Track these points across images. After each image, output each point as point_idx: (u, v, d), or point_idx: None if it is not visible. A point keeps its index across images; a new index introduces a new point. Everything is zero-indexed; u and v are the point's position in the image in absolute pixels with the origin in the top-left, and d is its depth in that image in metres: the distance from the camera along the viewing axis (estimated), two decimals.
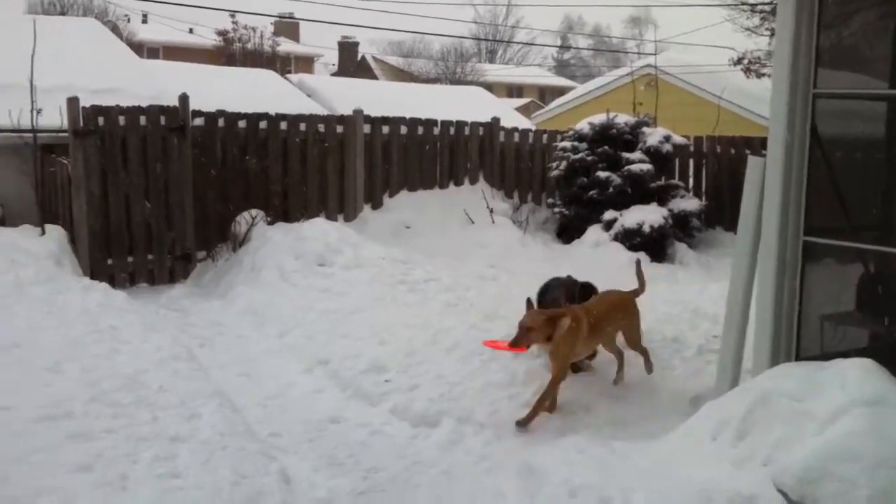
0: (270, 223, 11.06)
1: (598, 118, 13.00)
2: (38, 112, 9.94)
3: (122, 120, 10.31)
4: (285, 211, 11.58)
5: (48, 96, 10.05)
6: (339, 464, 5.59)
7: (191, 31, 41.31)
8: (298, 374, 7.36)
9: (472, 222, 12.68)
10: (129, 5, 28.50)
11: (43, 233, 9.97)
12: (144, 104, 10.67)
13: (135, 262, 10.52)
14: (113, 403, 5.93)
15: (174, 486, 4.97)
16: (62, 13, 33.67)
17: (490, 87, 37.23)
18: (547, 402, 6.17)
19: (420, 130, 13.12)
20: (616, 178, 12.25)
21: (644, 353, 6.88)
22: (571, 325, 6.15)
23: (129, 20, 39.32)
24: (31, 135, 10.11)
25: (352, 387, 6.86)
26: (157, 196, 10.59)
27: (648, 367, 6.86)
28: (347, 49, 46.90)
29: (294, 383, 7.16)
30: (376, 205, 12.62)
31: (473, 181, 13.59)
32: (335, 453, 5.74)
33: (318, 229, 10.75)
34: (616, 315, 6.72)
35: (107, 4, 31.50)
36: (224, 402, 6.50)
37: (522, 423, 5.99)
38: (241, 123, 11.40)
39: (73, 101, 9.93)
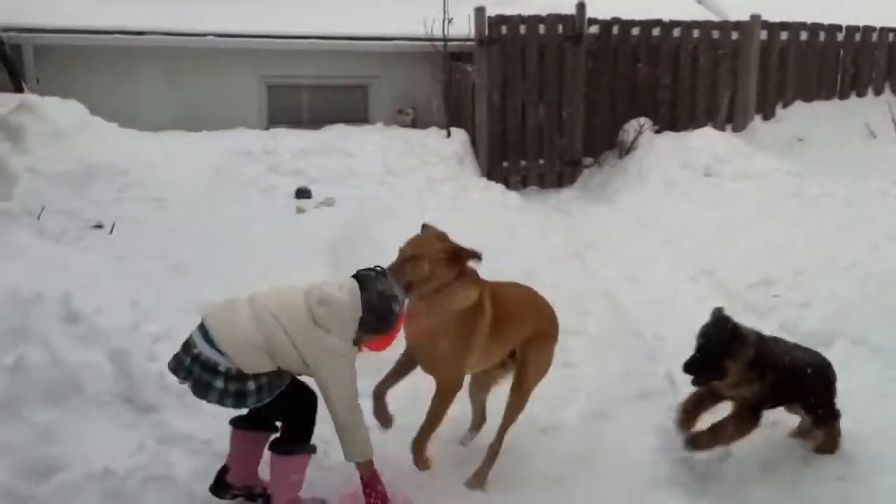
0: (657, 132, 11.08)
1: None
2: (450, 21, 10.67)
3: (522, 29, 10.78)
4: (672, 120, 11.50)
5: (457, 6, 10.72)
6: None
7: None
8: (682, 282, 7.43)
9: (874, 136, 11.77)
10: None
11: (448, 135, 10.81)
12: (543, 13, 11.03)
13: (527, 165, 11.10)
14: None
15: (569, 375, 5.38)
16: None
17: None
18: (433, 426, 4.28)
19: (822, 37, 12.29)
20: None
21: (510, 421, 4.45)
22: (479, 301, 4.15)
23: None
24: (441, 43, 10.92)
25: (739, 299, 6.80)
26: (550, 103, 11.02)
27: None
28: None
29: (678, 290, 7.24)
30: (768, 115, 12.12)
31: (878, 92, 12.56)
32: None
33: (705, 139, 10.61)
34: (526, 322, 4.48)
35: None
36: (611, 302, 6.82)
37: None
38: (634, 31, 11.41)
39: (479, 11, 10.56)
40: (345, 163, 9.59)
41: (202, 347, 3.70)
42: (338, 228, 7.71)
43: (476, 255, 4.19)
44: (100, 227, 7.14)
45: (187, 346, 3.78)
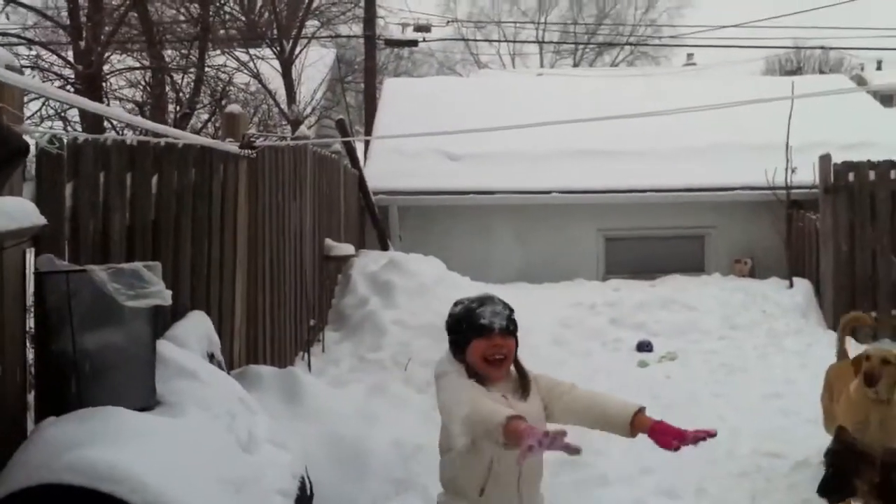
0: None
1: None
2: (793, 171, 10.57)
3: (871, 175, 10.37)
4: None
5: (800, 154, 10.65)
6: None
7: None
8: None
9: None
10: (863, 54, 28.22)
11: (791, 285, 10.53)
12: (892, 156, 10.54)
13: (878, 317, 10.42)
14: None
15: None
16: (798, 69, 34.84)
17: None
18: None
19: None
20: None
21: None
22: None
23: (862, 68, 38.82)
24: (783, 192, 10.79)
25: None
26: None
27: None
28: None
29: None
30: None
31: None
32: None
33: None
34: None
35: (842, 56, 31.70)
36: None
37: None
38: None
39: (824, 159, 10.34)
40: (685, 316, 9.63)
41: None
42: (682, 384, 7.73)
43: None
44: None
45: None
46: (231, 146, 5.47)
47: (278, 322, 6.82)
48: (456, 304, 3.41)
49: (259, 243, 6.25)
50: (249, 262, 6.03)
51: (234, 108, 6.20)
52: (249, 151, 5.70)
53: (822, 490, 4.35)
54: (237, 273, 5.73)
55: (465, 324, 3.29)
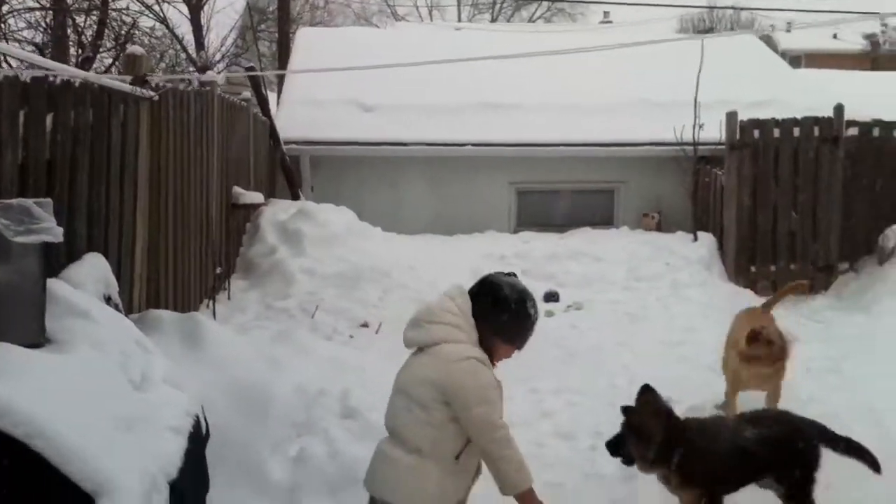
0: None
1: None
2: (701, 127, 10.79)
3: (775, 132, 10.64)
4: None
5: (708, 111, 10.83)
6: None
7: (834, 36, 40.07)
8: None
9: None
10: (774, 15, 28.80)
11: (695, 239, 10.79)
12: (797, 115, 10.85)
13: (777, 271, 10.79)
14: None
15: (830, 499, 5.15)
16: (710, 29, 35.44)
17: None
18: None
19: None
20: None
21: None
22: None
23: (773, 29, 39.54)
24: (691, 148, 11.02)
25: None
26: (804, 207, 10.73)
27: None
28: None
29: None
30: None
31: None
32: None
33: None
34: None
35: (753, 17, 32.25)
36: (875, 420, 6.47)
37: None
38: None
39: (731, 116, 10.57)
40: (593, 267, 9.81)
41: None
42: (587, 333, 7.89)
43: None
44: (365, 326, 7.72)
45: None
46: (124, 84, 5.31)
47: (182, 268, 6.71)
48: (531, 301, 3.80)
49: (162, 188, 6.11)
50: (151, 206, 5.90)
51: (135, 49, 6.02)
52: (147, 91, 5.55)
53: (609, 446, 4.37)
54: (137, 217, 5.61)
55: (526, 334, 3.77)
